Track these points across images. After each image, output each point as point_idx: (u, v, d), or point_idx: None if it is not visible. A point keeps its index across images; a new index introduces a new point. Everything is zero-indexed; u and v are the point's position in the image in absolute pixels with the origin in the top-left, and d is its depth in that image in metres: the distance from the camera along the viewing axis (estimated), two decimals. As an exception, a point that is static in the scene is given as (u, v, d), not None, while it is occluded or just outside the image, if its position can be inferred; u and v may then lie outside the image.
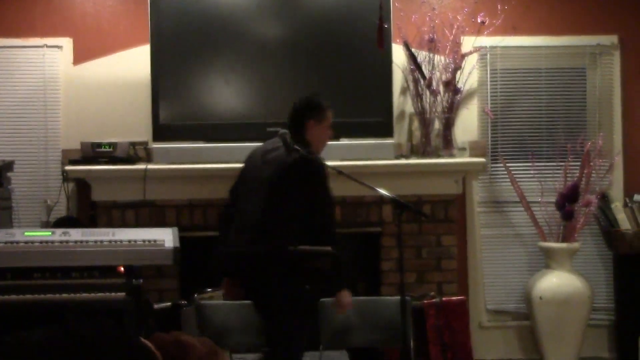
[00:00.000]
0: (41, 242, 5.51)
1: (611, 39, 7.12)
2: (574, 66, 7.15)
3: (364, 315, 5.76)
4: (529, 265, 7.03)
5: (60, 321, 2.24)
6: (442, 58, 6.78)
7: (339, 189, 6.34)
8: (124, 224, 6.39)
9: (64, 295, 5.45)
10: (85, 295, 5.46)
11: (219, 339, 5.55)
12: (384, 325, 5.67)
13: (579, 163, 6.82)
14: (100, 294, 5.47)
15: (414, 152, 6.81)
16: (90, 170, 6.41)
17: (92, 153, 6.45)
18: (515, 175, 6.90)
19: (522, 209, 6.89)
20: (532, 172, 6.95)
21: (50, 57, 6.78)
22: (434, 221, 6.64)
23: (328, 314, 5.71)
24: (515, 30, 6.95)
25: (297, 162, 5.00)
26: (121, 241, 5.50)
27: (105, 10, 6.85)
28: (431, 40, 6.77)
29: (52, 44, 6.78)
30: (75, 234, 5.61)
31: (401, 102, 6.89)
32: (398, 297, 5.02)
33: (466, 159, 6.78)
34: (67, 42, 6.79)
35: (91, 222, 6.51)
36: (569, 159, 6.85)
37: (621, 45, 7.14)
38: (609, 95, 7.11)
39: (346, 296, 5.14)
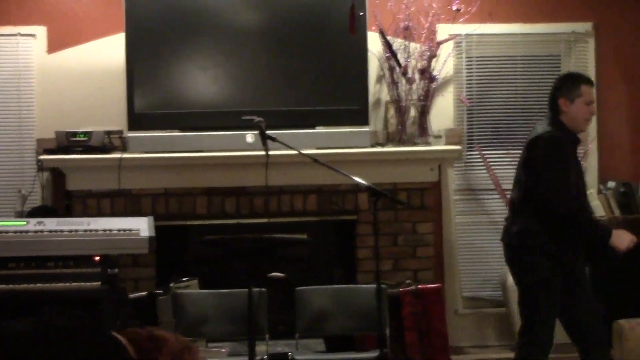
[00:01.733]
0: (16, 231, 5.48)
1: (585, 27, 7.15)
2: (549, 53, 7.18)
3: (340, 303, 5.78)
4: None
5: (33, 312, 2.23)
6: (418, 46, 6.79)
7: (314, 177, 6.38)
8: (100, 213, 6.37)
9: (39, 285, 5.42)
10: (60, 284, 5.44)
11: (194, 328, 5.57)
12: (360, 313, 5.70)
13: (554, 150, 6.84)
14: (75, 284, 5.45)
15: (389, 139, 6.82)
16: (65, 160, 6.38)
17: (67, 142, 6.42)
18: (490, 163, 6.93)
19: (498, 196, 6.92)
20: (507, 159, 6.97)
21: (24, 46, 6.74)
22: (410, 209, 6.66)
23: (303, 302, 5.73)
24: (490, 17, 6.96)
25: (531, 142, 5.07)
26: (96, 230, 5.48)
27: (79, -1, 6.81)
28: (407, 28, 6.78)
29: (26, 32, 6.73)
30: (50, 224, 5.58)
31: (377, 90, 6.89)
32: (374, 285, 5.03)
33: (442, 147, 6.80)
34: (41, 31, 6.75)
35: (66, 211, 6.49)
36: (544, 146, 6.87)
37: (595, 33, 7.17)
38: (583, 82, 7.14)
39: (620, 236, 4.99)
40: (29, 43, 6.74)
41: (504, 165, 6.99)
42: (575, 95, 5.04)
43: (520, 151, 6.93)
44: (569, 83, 5.10)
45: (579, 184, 5.12)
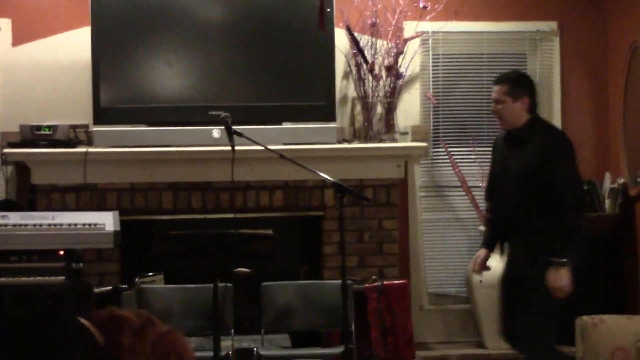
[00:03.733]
0: (-21, 225, 5.44)
1: (551, 25, 7.20)
2: (514, 51, 7.22)
3: (305, 298, 5.80)
4: (470, 249, 7.08)
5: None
6: (385, 43, 6.81)
7: (281, 173, 6.38)
8: (65, 208, 6.32)
9: (2, 279, 5.38)
10: (24, 279, 5.41)
11: (160, 323, 5.54)
12: (325, 309, 5.71)
13: (519, 148, 6.89)
14: (39, 278, 5.42)
15: (356, 136, 6.83)
16: (29, 154, 6.33)
17: (32, 136, 6.37)
18: (456, 160, 6.96)
19: (463, 193, 6.95)
20: (473, 156, 7.02)
21: (-12, 38, 6.68)
22: (376, 205, 6.68)
23: (269, 298, 5.73)
24: (456, 15, 6.98)
25: None
26: (61, 225, 5.45)
27: (45, -9, 6.76)
28: (373, 25, 6.79)
29: (-10, 25, 6.68)
30: (14, 218, 5.54)
31: (344, 87, 6.90)
32: (339, 281, 5.03)
33: (408, 144, 6.82)
34: (5, 23, 6.68)
35: (30, 205, 6.43)
36: (509, 144, 6.91)
37: (561, 31, 7.22)
38: (548, 80, 7.19)
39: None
40: (-7, 36, 6.68)
41: (470, 162, 7.03)
42: None
43: (485, 148, 7.01)
44: None
45: (502, 183, 5.28)
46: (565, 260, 4.91)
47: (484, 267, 5.45)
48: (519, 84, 5.23)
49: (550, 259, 4.92)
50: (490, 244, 5.46)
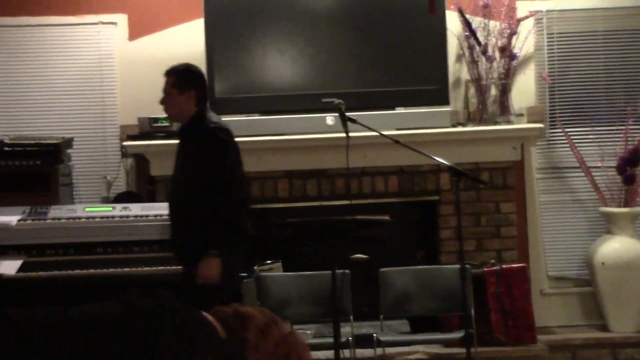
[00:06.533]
0: (102, 217, 5.59)
1: (672, -2, 7.00)
2: (632, 27, 7.03)
3: (423, 283, 5.78)
4: (590, 231, 6.96)
5: (122, 294, 2.25)
6: (497, 23, 6.71)
7: (395, 158, 6.36)
8: (183, 198, 6.42)
9: (126, 270, 5.52)
10: (146, 268, 5.53)
11: (279, 310, 5.60)
12: (444, 294, 5.69)
13: (639, 126, 6.72)
14: (160, 268, 5.53)
15: (470, 119, 6.76)
16: (148, 145, 6.45)
17: (150, 128, 6.49)
18: (574, 140, 6.82)
19: (582, 174, 6.82)
20: (591, 136, 6.87)
21: (106, 34, 6.83)
22: (493, 188, 6.60)
23: (387, 283, 5.72)
24: (571, -8, 6.85)
25: None
26: (180, 215, 5.53)
27: (158, -14, 6.87)
28: (486, 6, 6.70)
29: (107, 21, 6.82)
30: (135, 209, 5.67)
31: (457, 69, 6.83)
32: (458, 265, 5.01)
33: (524, 125, 6.71)
34: (122, 19, 6.82)
35: (150, 196, 6.56)
36: (629, 122, 6.75)
37: (681, 5, 7.00)
38: (669, 57, 6.99)
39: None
40: (110, 31, 6.83)
41: (588, 143, 6.88)
42: None
43: (604, 128, 6.85)
44: None
45: (173, 178, 5.22)
46: (217, 251, 4.87)
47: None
48: (186, 77, 5.18)
49: (207, 251, 4.88)
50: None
